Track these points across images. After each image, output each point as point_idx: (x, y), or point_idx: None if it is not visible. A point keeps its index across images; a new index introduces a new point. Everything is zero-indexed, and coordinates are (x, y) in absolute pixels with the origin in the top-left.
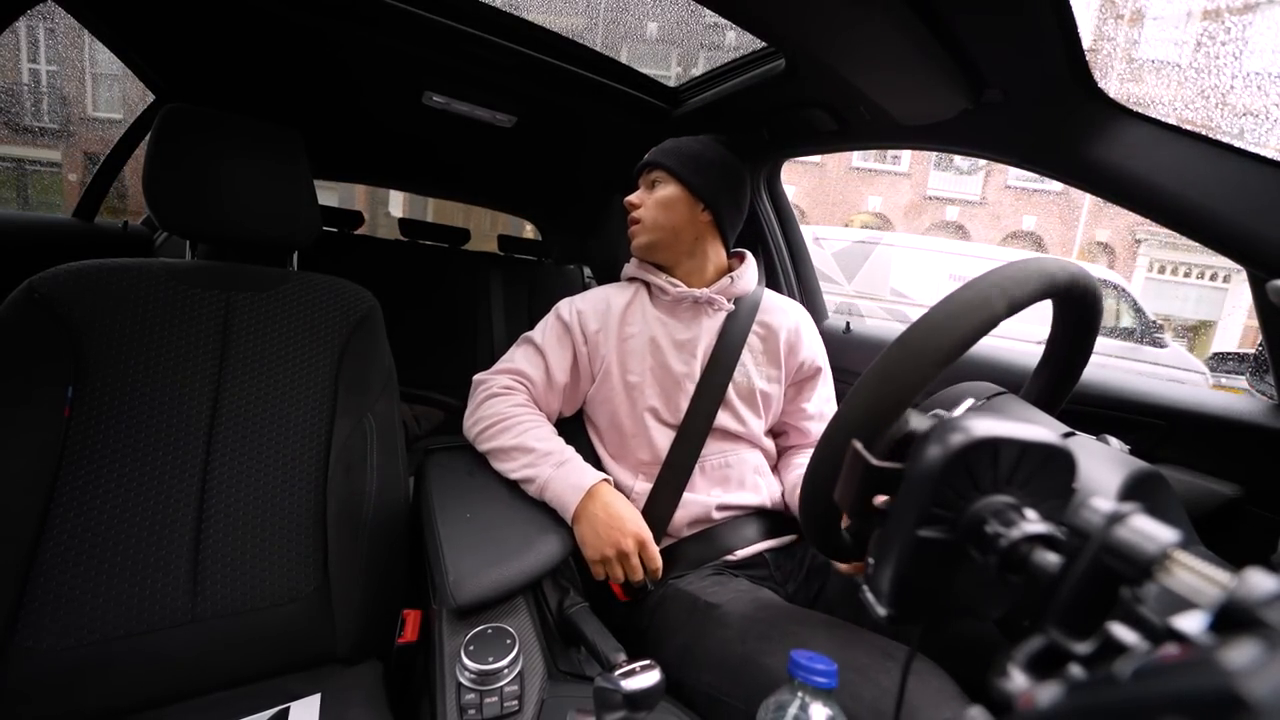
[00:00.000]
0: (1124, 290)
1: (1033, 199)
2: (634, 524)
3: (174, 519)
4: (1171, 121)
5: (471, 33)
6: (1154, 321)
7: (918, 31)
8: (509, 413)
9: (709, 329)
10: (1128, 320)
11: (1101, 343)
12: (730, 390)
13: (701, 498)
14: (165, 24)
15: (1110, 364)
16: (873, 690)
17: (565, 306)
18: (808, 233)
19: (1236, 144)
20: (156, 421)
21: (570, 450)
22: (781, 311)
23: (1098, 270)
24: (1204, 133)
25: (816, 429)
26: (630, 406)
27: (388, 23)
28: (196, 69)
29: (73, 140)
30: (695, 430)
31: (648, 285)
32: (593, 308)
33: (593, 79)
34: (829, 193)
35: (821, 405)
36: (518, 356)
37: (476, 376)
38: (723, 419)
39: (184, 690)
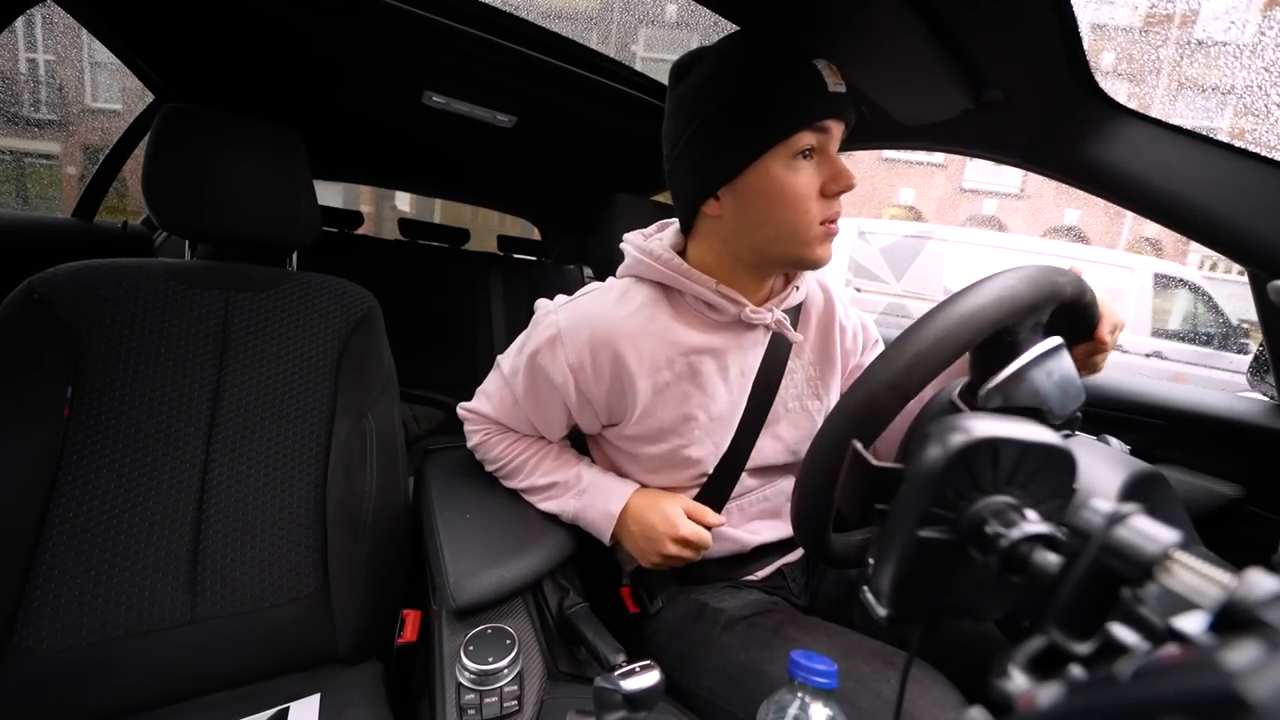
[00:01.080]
0: (1200, 290)
1: (1076, 191)
2: (666, 526)
3: (173, 519)
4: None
5: (471, 33)
6: (1238, 325)
7: (918, 31)
8: (505, 456)
9: (758, 346)
10: (1205, 322)
11: (1177, 349)
12: (779, 411)
13: (737, 533)
14: (165, 24)
15: (1189, 374)
16: (872, 700)
17: (547, 355)
18: (851, 225)
19: (1237, 144)
20: (156, 421)
21: (585, 469)
22: (808, 290)
23: (1163, 266)
24: (1204, 133)
25: None
26: (664, 463)
27: (387, 23)
28: (196, 69)
29: (71, 132)
30: (733, 466)
31: (670, 291)
32: (591, 356)
33: (592, 79)
34: (859, 186)
35: None
36: (498, 403)
37: (460, 410)
38: (766, 449)
39: (184, 690)
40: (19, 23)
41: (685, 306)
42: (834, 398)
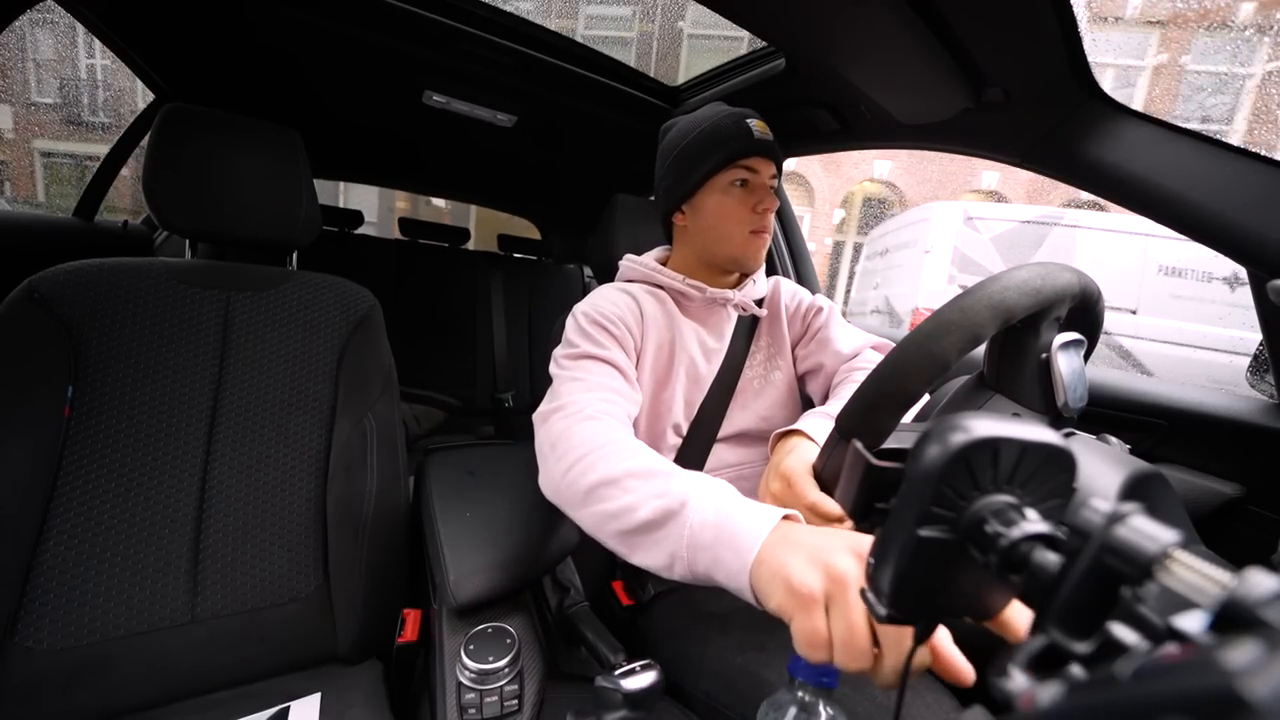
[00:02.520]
0: None
1: None
2: (823, 536)
3: (174, 519)
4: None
5: (471, 32)
6: None
7: (918, 30)
8: (593, 438)
9: (727, 329)
10: None
11: None
12: (747, 386)
13: None
14: (165, 24)
15: None
16: (867, 705)
17: (595, 313)
18: (956, 210)
19: (1237, 144)
20: (156, 421)
21: (685, 482)
22: (767, 289)
23: None
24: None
25: (863, 362)
26: (653, 422)
27: (387, 23)
28: (196, 69)
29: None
30: (707, 433)
31: (661, 286)
32: (628, 310)
33: (593, 79)
34: (932, 168)
35: (849, 337)
36: (565, 366)
37: (535, 419)
38: (737, 417)
39: (184, 690)
40: (79, 29)
41: (677, 297)
42: (787, 359)
